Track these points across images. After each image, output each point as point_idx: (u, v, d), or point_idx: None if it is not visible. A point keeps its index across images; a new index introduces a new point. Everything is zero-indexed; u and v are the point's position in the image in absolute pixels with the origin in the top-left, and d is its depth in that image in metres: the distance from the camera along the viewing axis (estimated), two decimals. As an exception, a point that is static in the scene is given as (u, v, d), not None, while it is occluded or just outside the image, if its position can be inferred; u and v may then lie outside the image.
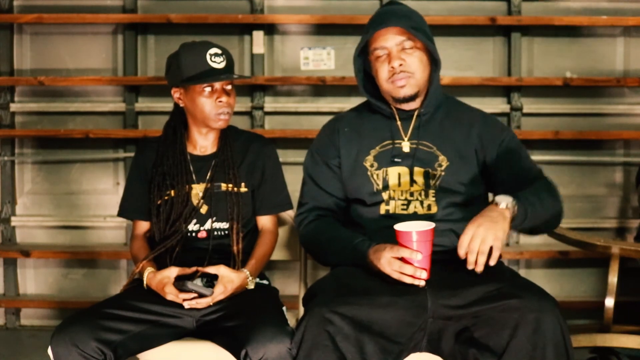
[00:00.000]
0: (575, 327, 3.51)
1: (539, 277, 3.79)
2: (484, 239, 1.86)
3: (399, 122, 2.23)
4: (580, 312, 3.77)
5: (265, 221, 2.41)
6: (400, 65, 2.13)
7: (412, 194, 2.16)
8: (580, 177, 3.91)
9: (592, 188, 3.92)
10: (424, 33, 2.15)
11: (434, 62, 2.19)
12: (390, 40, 2.14)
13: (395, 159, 2.18)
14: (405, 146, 2.20)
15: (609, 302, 2.90)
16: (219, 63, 2.26)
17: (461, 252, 1.88)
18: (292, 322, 2.16)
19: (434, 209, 2.14)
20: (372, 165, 2.20)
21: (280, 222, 2.49)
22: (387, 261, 1.96)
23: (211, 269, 2.16)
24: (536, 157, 3.86)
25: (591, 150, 3.89)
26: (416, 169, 2.17)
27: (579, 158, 3.88)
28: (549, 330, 1.82)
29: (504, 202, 1.92)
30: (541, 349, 1.82)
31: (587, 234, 3.32)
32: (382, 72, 2.16)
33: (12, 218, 3.94)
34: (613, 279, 2.89)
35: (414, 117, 2.22)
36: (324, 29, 3.89)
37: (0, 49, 3.89)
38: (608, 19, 3.77)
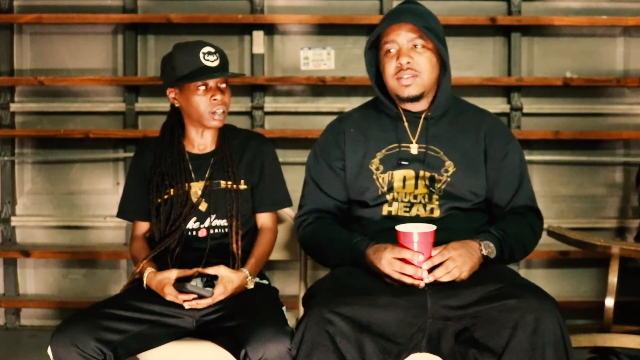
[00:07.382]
0: (575, 327, 3.51)
1: (539, 277, 3.78)
2: (457, 273, 1.94)
3: (405, 124, 2.21)
4: (580, 312, 3.76)
5: (264, 219, 2.41)
6: (408, 62, 2.12)
7: (415, 197, 2.15)
8: (580, 177, 3.91)
9: (592, 188, 3.91)
10: (437, 35, 2.13)
11: (444, 66, 2.17)
12: (402, 36, 2.13)
13: (402, 162, 2.16)
14: (413, 149, 2.18)
15: (609, 302, 2.90)
16: (212, 61, 2.27)
17: (436, 260, 1.94)
18: (292, 322, 2.16)
19: (437, 213, 2.14)
20: (377, 169, 2.18)
21: (279, 221, 2.49)
22: (388, 262, 1.96)
23: (211, 270, 2.16)
24: (536, 157, 3.87)
25: (591, 150, 3.88)
26: (422, 173, 2.15)
27: (579, 158, 3.88)
28: (549, 330, 1.82)
29: (486, 250, 2.02)
30: (541, 349, 1.81)
31: (587, 234, 3.31)
32: (389, 68, 2.15)
33: (12, 218, 3.94)
34: (613, 279, 2.89)
35: (421, 119, 2.21)
36: (324, 29, 3.89)
37: (0, 49, 3.89)
38: (608, 19, 3.77)
